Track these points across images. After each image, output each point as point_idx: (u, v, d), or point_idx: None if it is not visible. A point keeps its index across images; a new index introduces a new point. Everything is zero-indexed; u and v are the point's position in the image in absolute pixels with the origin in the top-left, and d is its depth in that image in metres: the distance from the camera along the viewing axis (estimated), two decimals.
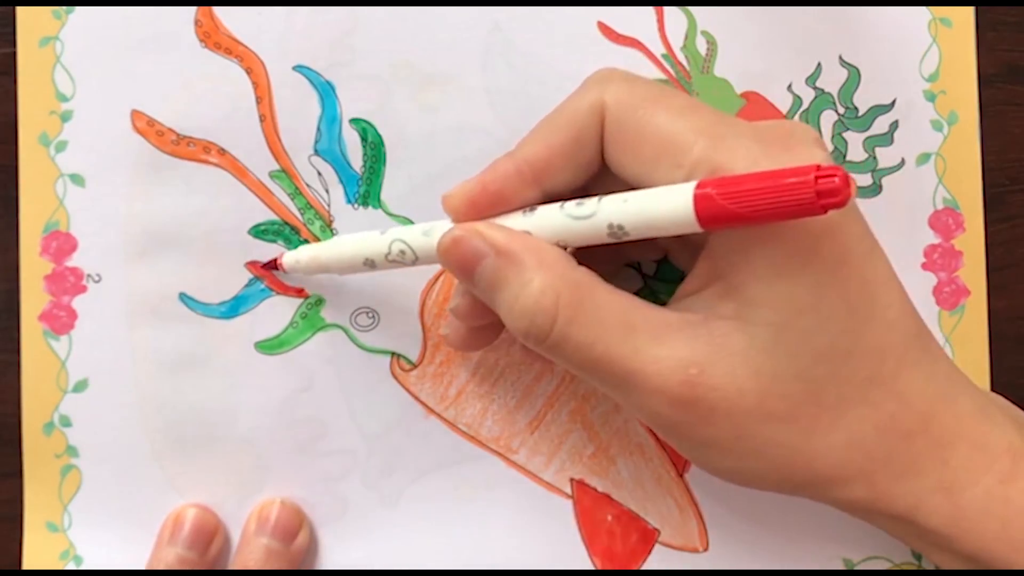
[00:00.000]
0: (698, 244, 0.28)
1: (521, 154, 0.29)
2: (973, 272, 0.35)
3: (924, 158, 0.35)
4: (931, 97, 0.35)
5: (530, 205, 0.28)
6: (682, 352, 0.26)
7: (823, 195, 0.23)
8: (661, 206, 0.25)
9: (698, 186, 0.24)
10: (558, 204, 0.28)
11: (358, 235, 0.32)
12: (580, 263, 0.28)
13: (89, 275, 0.34)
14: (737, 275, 0.26)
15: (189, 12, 0.34)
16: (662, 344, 0.26)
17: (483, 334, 0.32)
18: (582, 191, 0.29)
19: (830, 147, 0.35)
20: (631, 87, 0.28)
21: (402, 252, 0.30)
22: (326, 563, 0.35)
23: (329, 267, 0.32)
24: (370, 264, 0.31)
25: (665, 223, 0.25)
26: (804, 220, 0.25)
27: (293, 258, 0.33)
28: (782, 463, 0.27)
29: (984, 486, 0.27)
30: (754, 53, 0.35)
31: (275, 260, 0.34)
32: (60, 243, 0.34)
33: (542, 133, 0.29)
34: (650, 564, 0.35)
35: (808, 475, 0.27)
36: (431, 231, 0.29)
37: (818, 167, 0.23)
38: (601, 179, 0.29)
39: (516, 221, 0.28)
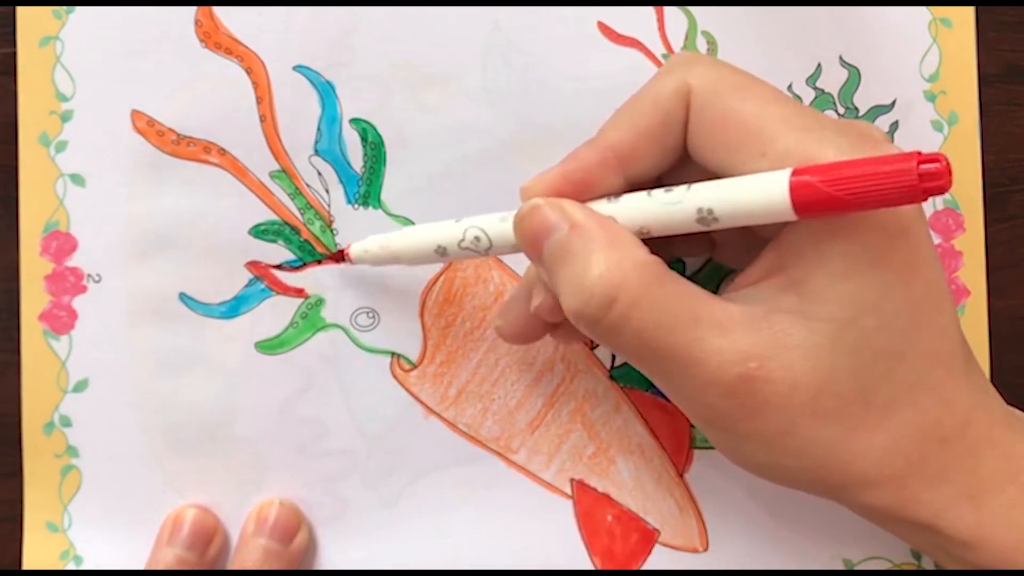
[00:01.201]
0: (753, 241, 0.28)
1: (605, 140, 0.28)
2: (973, 272, 0.35)
3: None
4: (931, 97, 0.35)
5: (614, 193, 0.28)
6: (743, 345, 0.26)
7: (925, 178, 0.23)
8: (756, 192, 0.25)
9: (795, 172, 0.24)
10: (645, 191, 0.27)
11: (431, 224, 0.31)
12: None
13: (89, 275, 0.34)
14: (804, 269, 0.26)
15: (189, 12, 0.34)
16: (725, 336, 0.26)
17: (541, 329, 0.32)
18: (659, 181, 0.29)
19: None
20: (718, 72, 0.28)
21: (476, 239, 0.30)
22: (326, 563, 0.35)
23: (400, 256, 0.32)
24: (442, 252, 0.31)
25: (759, 210, 0.25)
26: (881, 219, 0.25)
27: (361, 247, 0.33)
28: (819, 462, 0.27)
29: (1008, 495, 0.27)
30: (754, 53, 0.35)
31: (342, 251, 0.34)
32: (60, 243, 0.34)
33: (627, 118, 0.28)
34: (650, 564, 0.35)
35: (842, 475, 0.27)
36: (508, 218, 0.29)
37: (919, 153, 0.23)
38: (681, 169, 0.29)
39: (601, 207, 0.28)
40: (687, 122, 0.28)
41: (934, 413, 0.27)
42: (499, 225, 0.29)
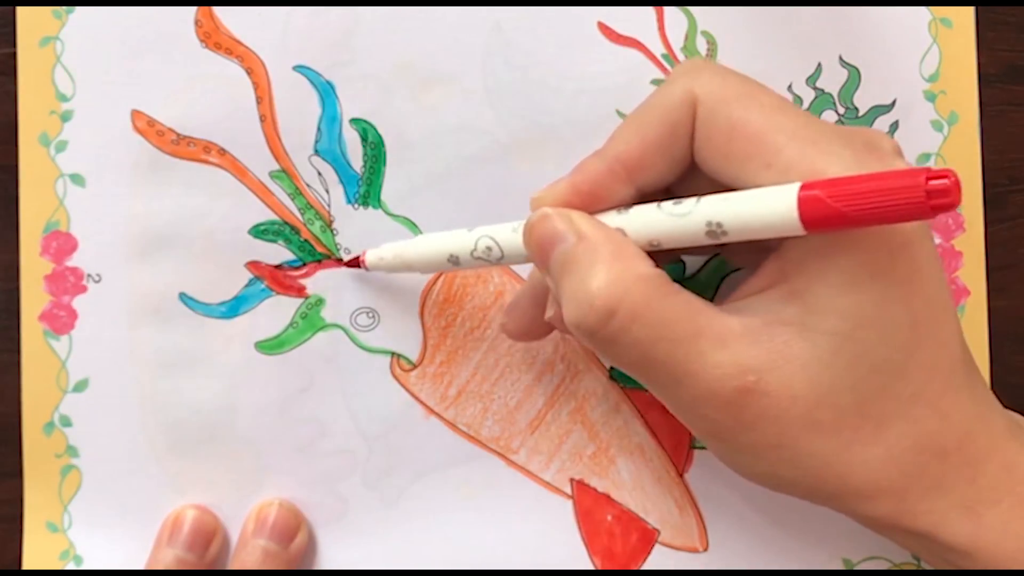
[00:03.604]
0: (760, 246, 0.28)
1: (612, 151, 0.28)
2: (973, 272, 0.35)
3: (924, 158, 0.35)
4: (931, 97, 0.35)
5: (623, 204, 0.28)
6: (742, 358, 0.26)
7: (933, 195, 0.22)
8: (765, 206, 0.25)
9: (803, 187, 0.24)
10: (654, 203, 0.27)
11: (444, 233, 0.31)
12: None
13: (89, 275, 0.34)
14: (807, 281, 0.26)
15: (189, 12, 0.34)
16: (724, 349, 0.26)
17: (546, 328, 0.32)
18: (668, 192, 0.29)
19: None
20: (724, 80, 0.28)
21: (488, 248, 0.30)
22: (326, 563, 0.35)
23: (413, 265, 0.32)
24: (454, 261, 0.31)
25: (768, 224, 0.25)
26: (884, 233, 0.25)
27: (376, 255, 0.33)
28: (816, 473, 0.27)
29: (1005, 505, 0.27)
30: (754, 53, 0.35)
31: (357, 258, 0.34)
32: (60, 243, 0.34)
33: (634, 128, 0.28)
34: (650, 564, 0.35)
35: (839, 486, 0.27)
36: (520, 228, 0.29)
37: (928, 169, 0.23)
38: (689, 179, 0.29)
39: (611, 219, 0.28)
40: (694, 132, 0.28)
41: (932, 426, 0.27)
42: (511, 235, 0.29)
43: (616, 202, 0.28)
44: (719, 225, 0.26)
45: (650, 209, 0.27)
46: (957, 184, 0.23)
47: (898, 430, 0.27)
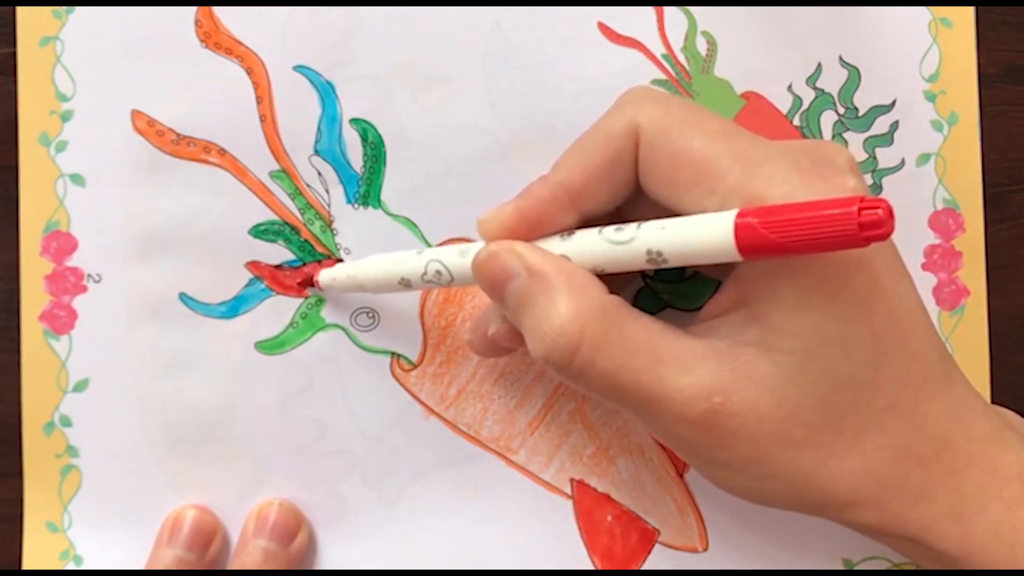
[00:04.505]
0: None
1: (556, 178, 0.28)
2: (973, 272, 0.35)
3: (924, 158, 0.35)
4: (931, 97, 0.35)
5: (567, 229, 0.28)
6: (707, 380, 0.26)
7: (866, 227, 0.22)
8: (702, 234, 0.25)
9: (739, 215, 0.24)
10: (596, 229, 0.27)
11: (394, 255, 0.32)
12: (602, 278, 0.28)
13: (89, 275, 0.34)
14: (764, 303, 0.26)
15: (189, 12, 0.34)
16: (688, 373, 0.26)
17: (506, 349, 0.32)
18: (617, 214, 0.29)
19: None
20: (667, 108, 0.28)
21: (438, 272, 0.30)
22: (326, 563, 0.35)
23: (365, 286, 0.32)
24: (406, 284, 0.31)
25: (705, 251, 0.25)
26: (834, 252, 0.25)
27: (329, 276, 0.33)
28: (796, 486, 0.27)
29: (992, 511, 0.27)
30: (754, 53, 0.35)
31: (311, 276, 0.34)
32: (60, 243, 0.34)
33: (576, 156, 0.29)
34: (650, 564, 0.35)
35: (821, 498, 0.27)
36: (467, 252, 0.29)
37: (861, 199, 0.23)
38: (637, 201, 0.29)
39: (554, 245, 0.28)
40: (638, 159, 0.28)
41: (906, 436, 0.27)
42: (459, 260, 0.29)
43: (560, 227, 0.28)
44: (659, 253, 0.26)
45: (592, 236, 0.27)
46: (889, 214, 0.22)
47: (873, 442, 0.27)
